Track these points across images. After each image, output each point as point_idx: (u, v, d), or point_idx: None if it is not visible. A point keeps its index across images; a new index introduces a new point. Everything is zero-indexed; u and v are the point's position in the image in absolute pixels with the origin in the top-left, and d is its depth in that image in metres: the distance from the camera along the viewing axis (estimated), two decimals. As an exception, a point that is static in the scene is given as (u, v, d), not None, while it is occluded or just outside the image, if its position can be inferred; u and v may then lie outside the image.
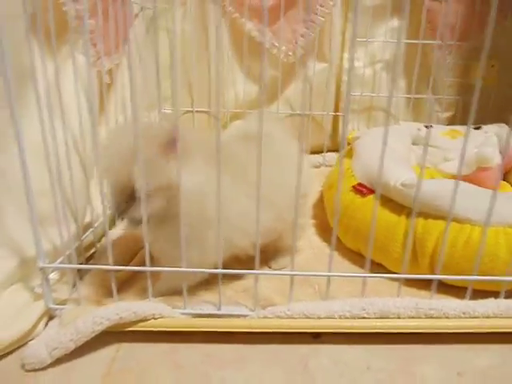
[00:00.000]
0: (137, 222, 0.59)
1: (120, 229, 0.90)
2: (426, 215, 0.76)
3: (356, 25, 0.56)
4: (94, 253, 0.85)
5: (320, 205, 1.09)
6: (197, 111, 1.40)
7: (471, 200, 0.73)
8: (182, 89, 1.39)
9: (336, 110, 1.46)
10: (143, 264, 0.66)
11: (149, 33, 1.22)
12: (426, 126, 1.30)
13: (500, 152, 1.17)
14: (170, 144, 0.57)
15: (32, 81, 0.66)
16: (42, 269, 0.64)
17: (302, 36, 1.35)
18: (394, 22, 1.40)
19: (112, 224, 0.94)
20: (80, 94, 0.76)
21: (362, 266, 0.85)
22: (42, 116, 0.61)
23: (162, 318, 0.64)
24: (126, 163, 0.57)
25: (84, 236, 0.78)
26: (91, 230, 0.81)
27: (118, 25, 0.90)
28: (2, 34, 0.53)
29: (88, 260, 0.82)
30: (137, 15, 1.08)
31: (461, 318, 0.64)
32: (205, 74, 1.36)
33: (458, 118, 1.43)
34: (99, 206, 0.87)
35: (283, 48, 1.35)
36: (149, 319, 0.63)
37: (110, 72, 0.92)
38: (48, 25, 0.60)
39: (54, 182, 0.64)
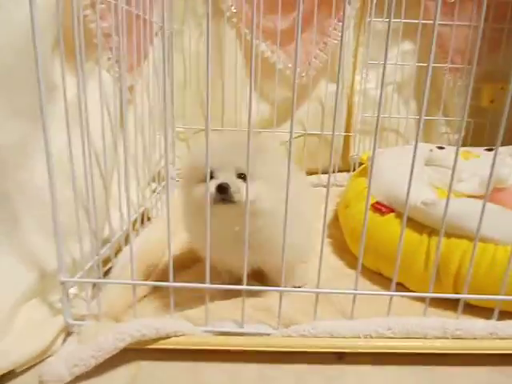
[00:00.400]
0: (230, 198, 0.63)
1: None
2: (448, 234, 0.75)
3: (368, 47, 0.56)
4: (110, 268, 0.83)
5: (335, 224, 1.09)
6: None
7: (495, 220, 0.72)
8: (196, 108, 1.40)
9: (347, 130, 1.47)
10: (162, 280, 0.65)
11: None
12: (439, 147, 1.32)
13: None
14: None
15: (54, 97, 0.68)
16: (63, 283, 0.63)
17: (315, 57, 1.37)
18: (406, 45, 1.43)
19: (127, 240, 0.94)
20: (103, 109, 0.77)
21: (382, 285, 0.84)
22: (68, 130, 0.61)
23: (183, 335, 0.63)
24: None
25: (103, 250, 0.78)
26: (109, 244, 0.80)
27: (140, 42, 0.92)
28: (38, 52, 0.53)
29: (104, 275, 0.81)
30: (157, 34, 1.10)
31: (488, 338, 0.63)
32: (218, 93, 1.38)
33: (470, 140, 1.44)
34: (117, 221, 0.88)
35: (297, 69, 1.37)
36: (170, 337, 0.62)
37: (130, 88, 0.93)
38: (72, 41, 0.61)
39: (76, 196, 0.64)
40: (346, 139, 1.48)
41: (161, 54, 1.13)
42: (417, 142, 0.61)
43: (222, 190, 0.63)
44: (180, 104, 1.40)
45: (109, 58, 0.81)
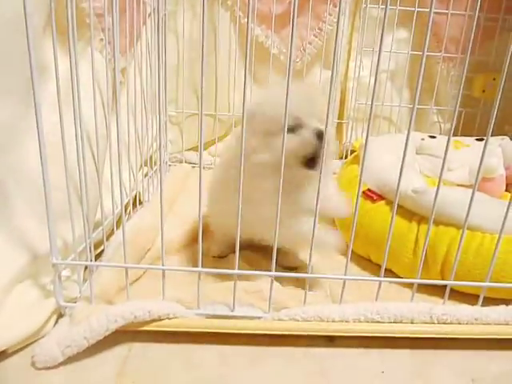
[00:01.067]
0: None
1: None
2: (437, 222, 0.76)
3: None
4: (102, 251, 0.83)
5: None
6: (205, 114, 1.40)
7: (483, 208, 0.74)
8: (189, 91, 1.39)
9: (340, 117, 1.47)
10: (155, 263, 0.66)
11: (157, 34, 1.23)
12: (431, 136, 1.33)
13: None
14: None
15: (44, 77, 0.67)
16: (54, 265, 0.64)
17: (310, 43, 1.36)
18: (400, 33, 1.42)
19: (119, 223, 0.93)
20: (95, 90, 0.75)
21: (371, 271, 0.86)
22: (61, 111, 0.61)
23: (175, 318, 0.63)
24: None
25: (95, 233, 0.77)
26: (101, 227, 0.80)
27: (133, 23, 0.90)
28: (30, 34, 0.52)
29: (96, 259, 0.81)
30: (149, 15, 1.08)
31: (473, 323, 0.64)
32: (212, 77, 1.36)
33: (461, 129, 1.45)
34: (109, 204, 0.87)
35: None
36: (163, 319, 0.63)
37: (123, 70, 0.91)
38: (64, 21, 0.60)
39: (67, 177, 0.64)
40: (339, 126, 1.48)
41: (154, 36, 1.11)
42: (409, 131, 0.61)
43: (321, 136, 0.58)
44: (173, 87, 1.38)
45: (101, 39, 0.79)
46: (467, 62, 0.58)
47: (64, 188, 0.64)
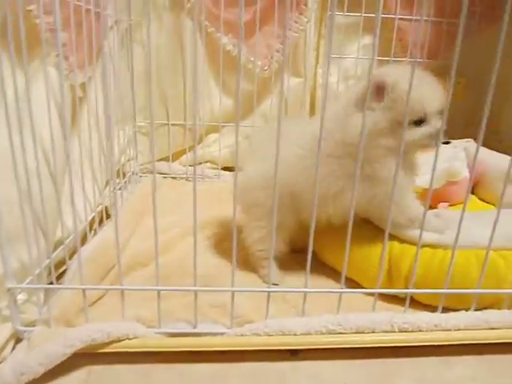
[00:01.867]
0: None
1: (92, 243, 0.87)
2: (401, 240, 0.77)
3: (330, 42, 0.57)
4: (64, 270, 0.82)
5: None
6: (172, 124, 1.39)
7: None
8: (157, 102, 1.38)
9: (311, 123, 1.48)
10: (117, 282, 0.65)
11: (124, 46, 1.22)
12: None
13: (468, 166, 1.21)
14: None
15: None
16: (9, 290, 0.62)
17: (277, 51, 1.37)
18: (366, 40, 1.44)
19: (84, 240, 0.92)
20: (52, 107, 0.74)
21: (338, 280, 0.86)
22: (10, 128, 0.59)
23: (136, 338, 0.62)
24: None
25: (54, 254, 0.76)
26: (62, 246, 0.78)
27: (92, 37, 0.89)
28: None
29: (59, 278, 0.79)
30: (111, 27, 1.07)
31: (433, 330, 0.65)
32: (180, 87, 1.36)
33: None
34: (70, 220, 0.86)
35: (259, 63, 1.37)
36: (122, 340, 0.62)
37: (82, 85, 0.90)
38: (18, 37, 0.59)
39: (22, 196, 0.62)
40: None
41: (117, 48, 1.10)
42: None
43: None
44: (142, 98, 1.37)
45: (57, 55, 0.78)
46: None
47: (19, 206, 0.63)
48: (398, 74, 0.70)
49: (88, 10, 0.87)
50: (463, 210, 0.62)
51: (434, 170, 0.62)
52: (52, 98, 0.75)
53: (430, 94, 0.69)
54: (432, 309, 0.71)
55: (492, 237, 0.64)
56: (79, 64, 0.85)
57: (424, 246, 0.74)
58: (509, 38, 1.36)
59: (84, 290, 0.64)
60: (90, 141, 0.92)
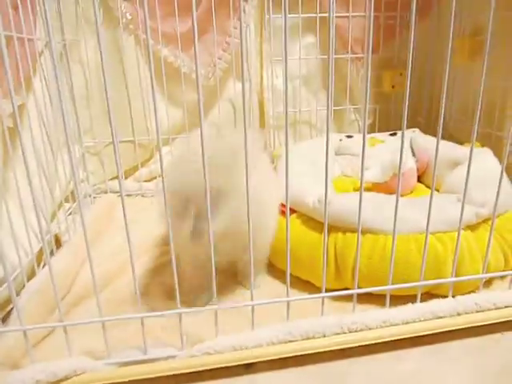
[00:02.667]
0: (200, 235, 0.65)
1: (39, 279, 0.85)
2: (344, 230, 0.78)
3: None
4: (11, 309, 0.79)
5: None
6: (121, 141, 1.37)
7: (381, 211, 0.76)
8: (103, 120, 1.35)
9: (261, 126, 1.49)
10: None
11: (61, 66, 1.18)
12: (348, 136, 1.37)
13: (414, 155, 1.24)
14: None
15: None
16: None
17: (220, 58, 1.36)
18: (308, 39, 1.46)
19: (32, 274, 0.89)
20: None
21: (292, 285, 0.86)
22: None
23: (83, 373, 0.61)
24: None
25: (-3, 293, 0.73)
26: (4, 285, 0.75)
27: (18, 65, 0.86)
28: None
29: (6, 317, 0.77)
30: (42, 52, 1.04)
31: (382, 327, 0.67)
32: (124, 103, 1.33)
33: (377, 125, 1.50)
34: (14, 256, 0.83)
35: (202, 71, 1.36)
36: (70, 377, 0.60)
37: (12, 115, 0.87)
38: None
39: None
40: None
41: (51, 70, 1.07)
42: (328, 134, 0.61)
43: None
44: (86, 117, 1.34)
45: (-22, 87, 0.75)
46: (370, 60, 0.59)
47: None
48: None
49: (10, 37, 0.84)
50: (397, 195, 0.63)
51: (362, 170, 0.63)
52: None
53: (187, 187, 0.66)
54: (381, 297, 0.72)
55: (429, 220, 0.65)
56: (4, 93, 0.82)
57: (366, 232, 0.75)
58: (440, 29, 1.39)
59: (25, 331, 0.61)
60: (28, 170, 0.89)
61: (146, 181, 1.43)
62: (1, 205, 0.80)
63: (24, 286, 0.83)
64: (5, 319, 0.76)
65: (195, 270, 0.79)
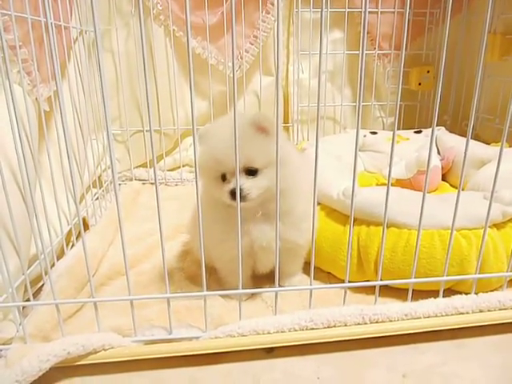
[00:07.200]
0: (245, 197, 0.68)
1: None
2: (368, 223, 0.79)
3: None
4: (42, 285, 0.82)
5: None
6: (147, 130, 1.39)
7: (406, 205, 0.77)
8: (131, 109, 1.38)
9: (285, 121, 1.49)
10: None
11: (92, 55, 1.21)
12: (372, 133, 1.36)
13: (439, 154, 1.23)
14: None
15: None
16: (-18, 309, 0.62)
17: (247, 51, 1.38)
18: (335, 34, 1.45)
19: (61, 253, 0.92)
20: (17, 123, 0.74)
21: (314, 277, 0.87)
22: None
23: (112, 348, 0.63)
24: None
25: (29, 270, 0.76)
26: (37, 262, 0.79)
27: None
28: None
29: (37, 293, 0.80)
30: (76, 40, 1.06)
31: (403, 320, 0.67)
32: (153, 93, 1.36)
33: (402, 122, 1.49)
34: (46, 236, 0.86)
35: (229, 64, 1.38)
36: (98, 351, 0.62)
37: (49, 99, 0.90)
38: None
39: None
40: (285, 130, 1.50)
41: (85, 58, 1.10)
42: (358, 129, 0.62)
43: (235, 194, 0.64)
44: (115, 105, 1.37)
45: (18, 71, 0.78)
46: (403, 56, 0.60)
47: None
48: (211, 127, 0.75)
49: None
50: (424, 190, 0.63)
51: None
52: (17, 114, 0.75)
53: (226, 154, 0.66)
54: (402, 292, 0.73)
55: (455, 217, 0.65)
56: (43, 78, 0.85)
57: (390, 226, 0.76)
58: (470, 27, 1.37)
59: (57, 305, 0.64)
60: (60, 153, 0.92)
61: (169, 170, 1.45)
62: (36, 186, 0.83)
63: (54, 264, 0.86)
64: (35, 296, 0.79)
65: (230, 264, 0.75)
